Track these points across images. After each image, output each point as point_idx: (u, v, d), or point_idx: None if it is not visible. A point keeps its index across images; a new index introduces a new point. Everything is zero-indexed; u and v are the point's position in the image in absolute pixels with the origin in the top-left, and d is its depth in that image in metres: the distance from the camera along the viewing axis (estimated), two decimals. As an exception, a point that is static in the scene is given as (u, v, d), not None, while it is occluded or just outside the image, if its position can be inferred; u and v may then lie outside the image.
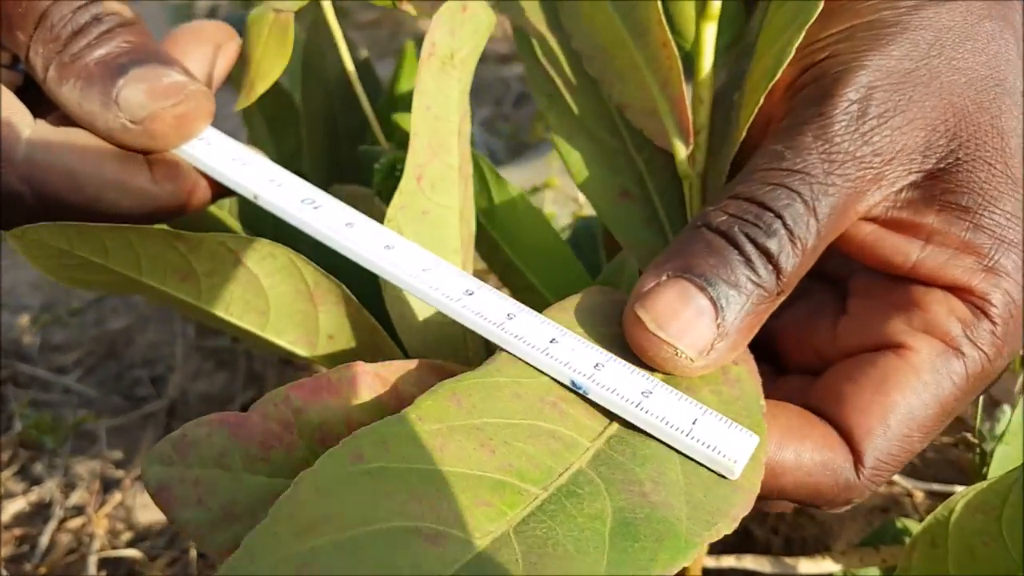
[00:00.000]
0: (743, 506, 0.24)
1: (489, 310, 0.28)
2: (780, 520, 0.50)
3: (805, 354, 0.33)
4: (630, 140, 0.36)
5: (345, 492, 0.21)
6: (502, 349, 0.27)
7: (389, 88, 0.60)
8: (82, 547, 0.53)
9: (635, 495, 0.23)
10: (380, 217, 0.42)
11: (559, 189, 0.72)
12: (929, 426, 0.29)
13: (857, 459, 0.28)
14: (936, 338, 0.28)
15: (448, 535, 0.20)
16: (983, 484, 0.33)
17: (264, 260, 0.31)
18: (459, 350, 0.35)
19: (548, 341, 0.27)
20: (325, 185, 0.35)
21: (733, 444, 0.25)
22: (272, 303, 0.32)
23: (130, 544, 0.54)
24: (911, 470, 0.54)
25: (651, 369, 0.28)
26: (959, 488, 0.50)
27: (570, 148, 0.36)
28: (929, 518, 0.34)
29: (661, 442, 0.26)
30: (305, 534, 0.19)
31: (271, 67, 0.39)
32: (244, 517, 0.24)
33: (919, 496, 0.51)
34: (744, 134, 0.31)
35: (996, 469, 0.41)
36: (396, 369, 0.28)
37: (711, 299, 0.27)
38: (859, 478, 0.28)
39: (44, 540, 0.53)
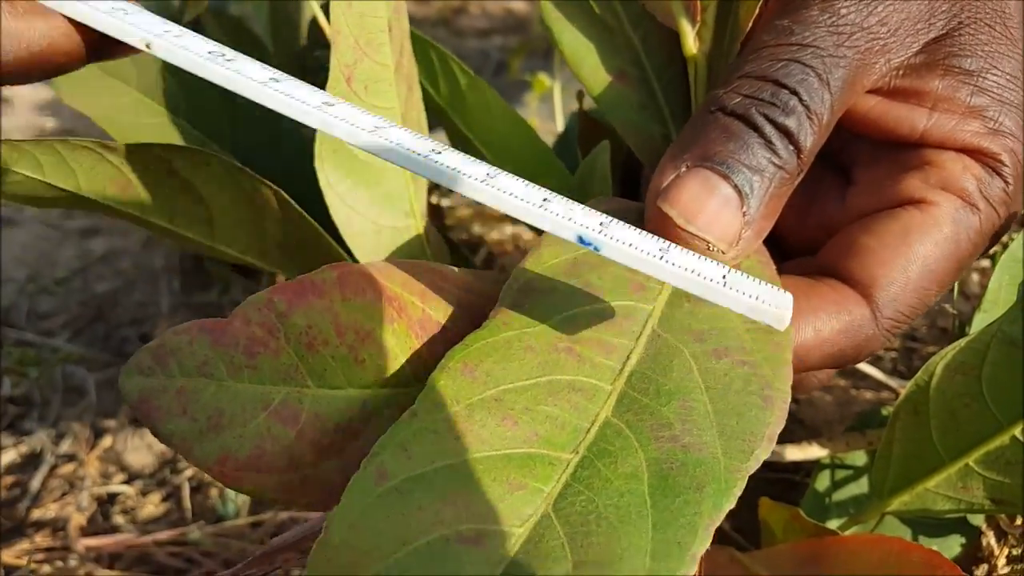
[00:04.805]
0: (778, 420, 0.24)
1: (466, 166, 0.25)
2: (769, 424, 0.51)
3: (808, 232, 0.33)
4: (626, 16, 0.34)
5: (377, 518, 0.20)
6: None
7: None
8: (75, 489, 0.53)
9: (666, 441, 0.23)
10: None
11: (535, 128, 0.72)
12: (945, 279, 0.29)
13: (875, 310, 0.28)
14: (953, 194, 0.29)
15: (487, 532, 0.20)
16: (961, 343, 0.33)
17: (198, 168, 0.29)
18: (416, 256, 0.34)
19: (541, 199, 0.25)
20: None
21: (771, 295, 0.24)
22: (215, 211, 0.31)
23: (122, 484, 0.53)
24: (900, 373, 0.54)
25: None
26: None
27: (563, 27, 0.34)
28: (910, 384, 0.34)
29: (689, 379, 0.24)
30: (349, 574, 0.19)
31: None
32: (231, 426, 0.24)
33: (907, 396, 0.51)
34: (757, 10, 0.29)
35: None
36: (382, 268, 0.27)
37: (735, 187, 0.26)
38: (877, 329, 0.28)
39: (36, 484, 0.53)
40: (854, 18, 0.27)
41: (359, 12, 0.31)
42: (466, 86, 0.38)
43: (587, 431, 0.23)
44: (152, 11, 0.31)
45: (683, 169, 0.27)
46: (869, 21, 0.28)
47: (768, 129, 0.26)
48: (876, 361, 0.55)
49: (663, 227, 0.27)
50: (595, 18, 0.34)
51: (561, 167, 0.39)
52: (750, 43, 0.29)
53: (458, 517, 0.20)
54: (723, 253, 0.26)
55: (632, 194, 0.38)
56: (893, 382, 0.51)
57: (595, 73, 0.34)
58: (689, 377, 0.24)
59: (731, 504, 0.21)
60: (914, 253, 0.28)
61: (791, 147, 0.27)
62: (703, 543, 0.20)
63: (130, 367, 0.24)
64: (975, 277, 0.63)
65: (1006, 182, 0.29)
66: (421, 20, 1.32)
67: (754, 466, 0.22)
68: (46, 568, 0.46)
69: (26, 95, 1.21)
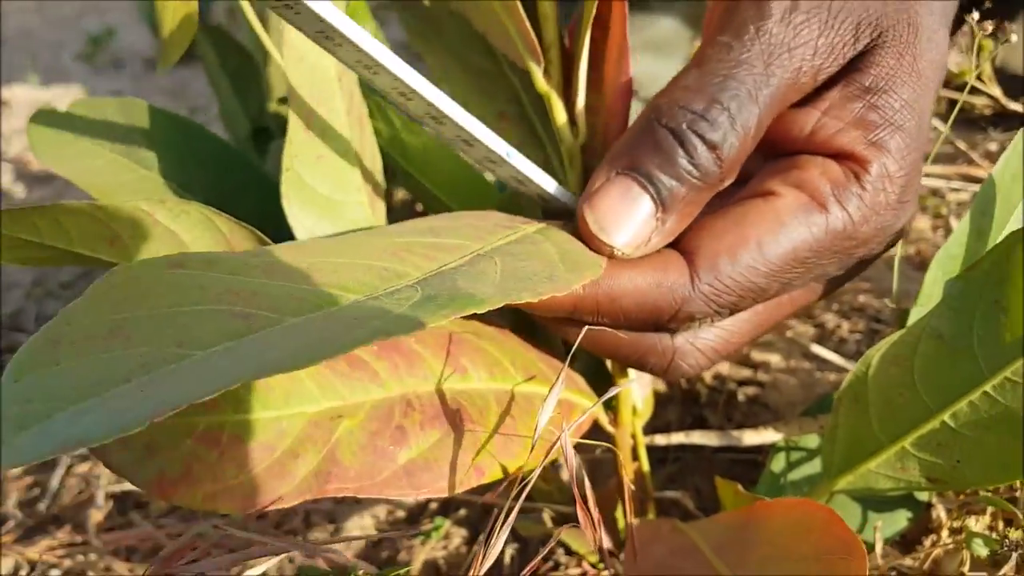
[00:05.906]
0: (557, 290, 0.26)
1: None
2: (734, 408, 0.54)
3: None
4: (505, 62, 0.37)
5: (161, 284, 0.22)
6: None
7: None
8: (91, 487, 0.56)
9: (446, 288, 0.25)
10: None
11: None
12: (776, 264, 0.31)
13: (693, 274, 0.31)
14: (805, 192, 0.31)
15: (258, 315, 0.22)
16: (895, 336, 0.36)
17: (179, 217, 0.32)
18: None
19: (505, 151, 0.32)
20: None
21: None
22: None
23: (135, 482, 0.57)
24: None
25: None
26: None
27: (445, 81, 0.37)
28: (849, 375, 0.37)
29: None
30: (119, 307, 0.21)
31: (181, 39, 0.42)
32: (163, 450, 0.26)
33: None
34: (586, 45, 0.32)
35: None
36: None
37: (652, 196, 0.30)
38: (694, 291, 0.31)
39: (54, 483, 0.57)
40: (783, 38, 0.30)
41: (310, 67, 0.35)
42: (402, 128, 0.41)
43: (383, 290, 0.25)
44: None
45: (613, 174, 0.30)
46: (795, 42, 0.30)
47: (693, 142, 0.29)
48: (839, 345, 0.58)
49: (582, 228, 0.30)
50: (470, 68, 0.38)
51: (495, 191, 0.42)
52: (696, 56, 0.31)
53: (236, 303, 0.22)
54: (629, 254, 0.30)
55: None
56: (852, 366, 0.54)
57: (481, 117, 0.36)
58: (491, 269, 0.27)
59: (475, 309, 0.24)
60: (744, 232, 0.30)
61: (714, 157, 0.30)
62: (428, 325, 0.22)
63: None
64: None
65: (863, 188, 0.31)
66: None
67: (513, 300, 0.25)
68: (68, 562, 0.50)
69: (24, 98, 1.23)
